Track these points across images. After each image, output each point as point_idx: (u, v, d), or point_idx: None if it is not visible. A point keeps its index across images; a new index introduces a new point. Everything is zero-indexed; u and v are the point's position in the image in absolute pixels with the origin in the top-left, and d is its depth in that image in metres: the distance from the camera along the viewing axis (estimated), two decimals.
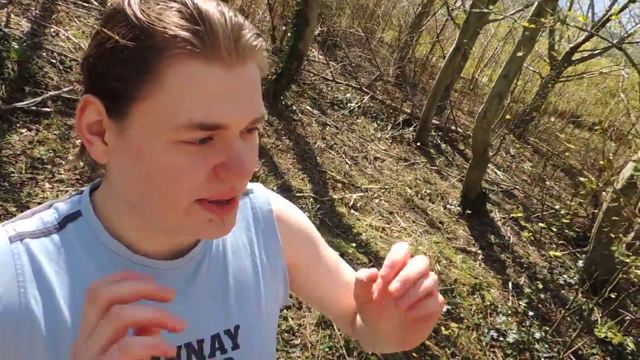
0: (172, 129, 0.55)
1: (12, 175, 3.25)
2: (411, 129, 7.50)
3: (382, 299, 0.70)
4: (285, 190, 4.50)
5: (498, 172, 7.32)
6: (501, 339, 3.48)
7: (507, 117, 5.97)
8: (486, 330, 3.52)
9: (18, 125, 3.71)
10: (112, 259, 0.65)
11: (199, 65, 0.55)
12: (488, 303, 3.84)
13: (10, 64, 4.04)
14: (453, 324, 3.16)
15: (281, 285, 0.85)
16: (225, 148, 0.58)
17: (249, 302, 0.78)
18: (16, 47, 4.03)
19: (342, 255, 3.67)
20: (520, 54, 4.93)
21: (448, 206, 5.60)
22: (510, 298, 4.09)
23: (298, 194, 4.53)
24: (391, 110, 7.89)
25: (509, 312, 3.82)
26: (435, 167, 6.71)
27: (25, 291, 0.60)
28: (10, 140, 3.54)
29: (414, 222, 4.98)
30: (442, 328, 3.18)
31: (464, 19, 7.11)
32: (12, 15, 4.93)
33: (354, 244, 3.96)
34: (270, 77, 6.39)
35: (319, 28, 8.97)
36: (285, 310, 3.10)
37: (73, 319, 0.61)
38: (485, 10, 5.68)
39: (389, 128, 7.40)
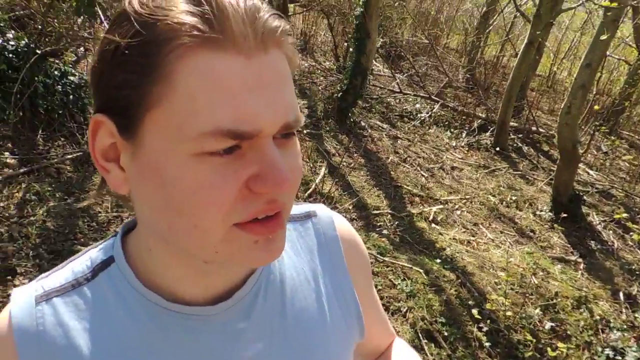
0: (191, 139, 0.45)
1: (99, 214, 3.37)
2: (488, 134, 7.13)
3: None
4: (361, 209, 4.37)
5: (591, 172, 6.74)
6: (618, 358, 3.09)
7: (596, 107, 5.47)
8: (600, 349, 3.14)
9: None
10: (148, 308, 0.56)
11: (212, 55, 0.44)
12: (598, 317, 3.45)
13: (92, 109, 4.28)
14: (561, 345, 2.84)
15: (354, 319, 0.72)
16: (257, 157, 0.47)
17: (316, 346, 0.65)
18: None
19: (427, 272, 3.46)
20: (603, 37, 4.51)
21: (538, 212, 5.20)
22: (624, 310, 3.65)
23: (375, 212, 4.37)
24: (464, 117, 7.57)
25: (624, 326, 3.40)
26: (519, 172, 6.29)
27: (46, 354, 0.54)
28: (96, 182, 3.71)
29: (501, 232, 4.65)
30: (549, 349, 2.87)
31: (533, 12, 6.70)
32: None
33: (438, 260, 3.73)
34: (336, 94, 6.34)
35: (381, 40, 8.86)
36: None
37: (91, 349, 0.54)
38: None
39: (463, 135, 7.08)
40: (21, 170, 3.52)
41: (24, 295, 0.56)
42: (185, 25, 0.44)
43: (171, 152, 0.46)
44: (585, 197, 5.46)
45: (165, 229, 0.50)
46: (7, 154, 3.62)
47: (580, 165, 6.60)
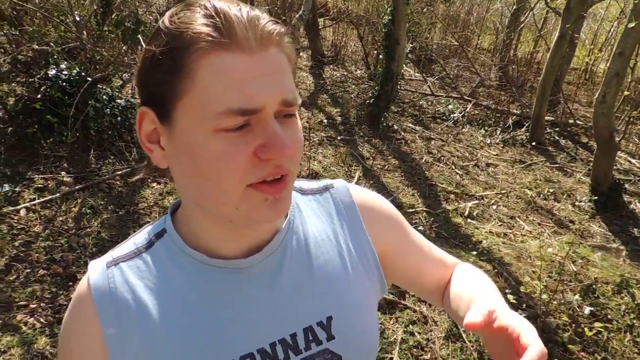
0: (210, 118, 0.59)
1: (148, 224, 3.61)
2: (523, 129, 7.08)
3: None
4: (397, 207, 4.46)
5: (632, 160, 6.58)
6: None
7: (626, 93, 5.37)
8: None
9: (149, 180, 4.16)
10: (195, 265, 0.70)
11: (222, 55, 0.59)
12: None
13: None
14: (597, 324, 2.83)
15: (374, 274, 0.83)
16: (263, 130, 0.60)
17: (340, 293, 0.76)
18: None
19: None
20: (632, 25, 4.48)
21: (577, 203, 5.14)
22: None
23: (410, 210, 4.46)
24: (498, 114, 7.53)
25: None
26: (557, 165, 6.22)
27: (118, 305, 0.68)
28: (144, 195, 3.97)
29: (539, 224, 4.63)
30: (586, 329, 2.87)
31: (564, 5, 6.66)
32: (136, 88, 5.60)
33: (474, 252, 3.78)
34: (368, 101, 6.48)
35: (410, 46, 8.95)
36: (410, 325, 3.03)
37: (164, 324, 0.67)
38: None
39: (498, 132, 7.06)
40: (77, 187, 3.82)
41: (98, 263, 0.72)
42: (202, 34, 0.59)
43: (196, 130, 0.60)
44: (626, 185, 5.35)
45: (197, 194, 0.65)
46: (63, 173, 3.95)
47: (621, 154, 6.45)
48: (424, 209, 4.55)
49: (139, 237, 0.74)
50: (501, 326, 0.61)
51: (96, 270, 0.70)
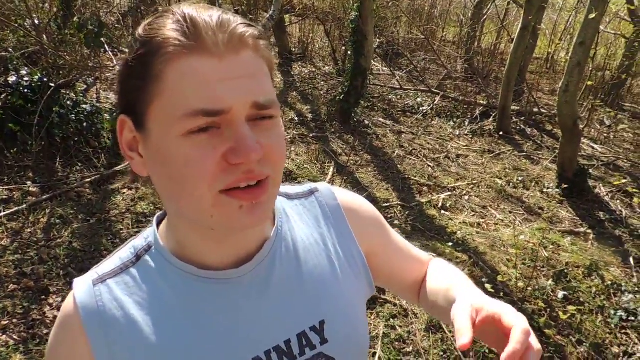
0: (177, 121, 0.58)
1: (122, 231, 3.54)
2: (490, 120, 7.23)
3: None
4: (372, 203, 4.49)
5: (595, 146, 6.79)
6: (632, 318, 3.17)
7: (589, 83, 5.54)
8: (612, 312, 3.22)
9: (119, 186, 4.07)
10: (184, 278, 0.69)
11: (191, 60, 0.58)
12: (609, 283, 3.53)
13: (105, 133, 4.47)
14: (571, 307, 2.93)
15: (362, 275, 0.84)
16: (231, 134, 0.59)
17: (331, 296, 0.77)
18: (108, 117, 4.43)
19: (439, 256, 3.57)
20: (592, 16, 4.61)
21: (545, 190, 5.28)
22: (635, 275, 3.73)
23: (385, 204, 4.50)
24: (466, 106, 7.66)
25: (636, 289, 3.48)
26: (524, 153, 6.37)
27: (107, 325, 0.66)
28: (115, 201, 3.88)
29: (510, 212, 4.74)
30: (560, 313, 2.96)
31: None
32: (101, 92, 5.47)
33: (450, 244, 3.84)
34: (338, 97, 6.49)
35: (378, 41, 9.00)
36: (391, 319, 3.06)
37: (157, 340, 0.66)
38: None
39: (466, 124, 7.18)
40: (44, 197, 3.71)
41: (83, 281, 0.70)
42: (170, 39, 0.59)
43: (166, 136, 0.59)
44: (590, 171, 5.53)
45: (175, 203, 0.64)
46: (29, 183, 3.83)
47: (585, 140, 6.66)
48: (399, 202, 4.59)
49: (124, 252, 0.72)
50: (482, 319, 0.63)
51: (82, 289, 0.68)
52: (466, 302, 0.66)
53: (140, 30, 0.62)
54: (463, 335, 0.61)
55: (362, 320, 0.82)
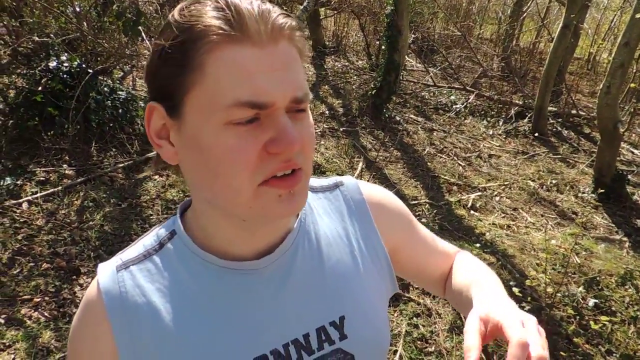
0: (220, 111, 0.57)
1: (151, 217, 3.61)
2: (525, 120, 7.05)
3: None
4: (400, 199, 4.45)
5: (635, 151, 6.56)
6: None
7: (632, 85, 5.34)
8: None
9: (151, 174, 4.14)
10: (207, 267, 0.69)
11: (233, 48, 0.57)
12: None
13: (139, 120, 4.55)
14: (603, 317, 2.84)
15: (385, 272, 0.82)
16: (273, 124, 0.59)
17: (352, 292, 0.76)
18: (143, 105, 4.50)
19: None
20: (639, 15, 4.44)
21: (580, 194, 5.13)
22: None
23: (413, 202, 4.45)
24: (501, 105, 7.50)
25: None
26: (559, 156, 6.20)
27: (129, 310, 0.67)
28: (146, 187, 3.96)
29: (542, 215, 4.62)
30: (592, 322, 2.87)
31: None
32: (137, 79, 5.57)
33: (478, 245, 3.77)
34: (370, 92, 6.45)
35: (413, 36, 8.89)
36: (414, 318, 3.03)
37: (177, 329, 0.66)
38: None
39: (500, 123, 7.03)
40: (78, 180, 3.81)
41: (107, 267, 0.70)
42: (212, 27, 0.58)
43: (205, 124, 0.59)
44: (629, 176, 5.34)
45: (208, 192, 0.64)
46: (65, 165, 3.93)
47: (624, 144, 6.44)
48: (427, 200, 4.53)
49: (148, 239, 0.73)
50: (490, 331, 0.62)
51: (106, 274, 0.69)
52: (475, 314, 0.64)
53: (176, 16, 0.61)
54: (469, 358, 0.59)
55: (383, 318, 0.80)
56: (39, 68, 4.03)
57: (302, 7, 5.75)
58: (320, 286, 0.73)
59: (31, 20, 4.10)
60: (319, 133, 5.63)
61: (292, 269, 0.72)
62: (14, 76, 4.31)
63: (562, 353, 2.81)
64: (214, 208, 0.66)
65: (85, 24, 4.28)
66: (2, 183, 3.56)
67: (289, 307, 0.70)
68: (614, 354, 2.89)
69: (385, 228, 0.83)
